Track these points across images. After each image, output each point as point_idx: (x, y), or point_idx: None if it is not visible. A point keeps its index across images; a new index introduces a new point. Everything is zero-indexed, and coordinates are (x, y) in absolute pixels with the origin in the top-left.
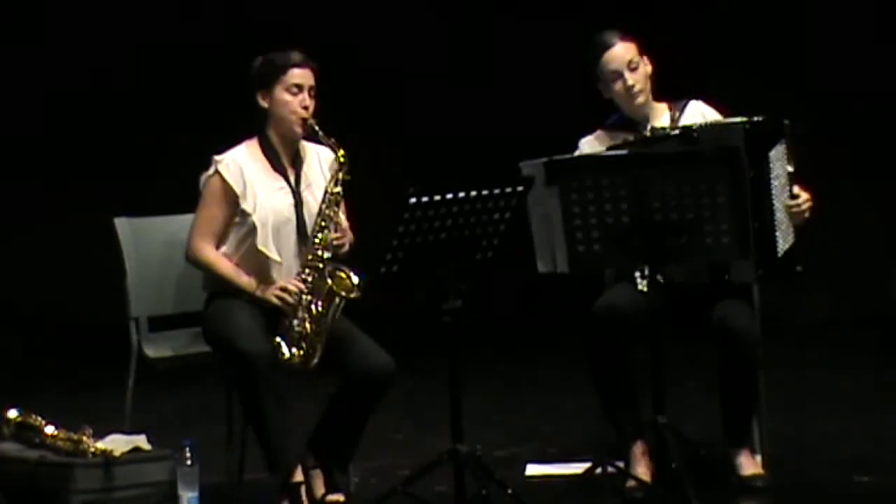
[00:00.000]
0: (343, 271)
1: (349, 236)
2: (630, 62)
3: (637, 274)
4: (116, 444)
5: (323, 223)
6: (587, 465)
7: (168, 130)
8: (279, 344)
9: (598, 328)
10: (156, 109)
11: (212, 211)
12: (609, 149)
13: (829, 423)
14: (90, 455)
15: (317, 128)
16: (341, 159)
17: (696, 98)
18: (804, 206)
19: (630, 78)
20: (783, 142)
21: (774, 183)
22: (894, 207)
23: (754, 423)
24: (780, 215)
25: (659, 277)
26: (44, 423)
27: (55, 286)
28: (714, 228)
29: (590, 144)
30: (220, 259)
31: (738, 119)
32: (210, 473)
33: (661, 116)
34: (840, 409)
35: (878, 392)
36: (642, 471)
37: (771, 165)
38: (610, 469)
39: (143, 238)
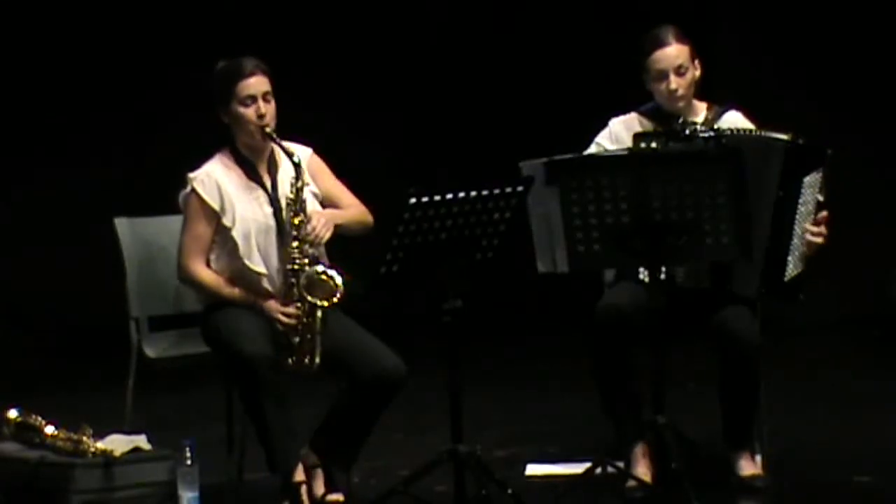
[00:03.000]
0: (325, 275)
1: (321, 222)
2: (679, 67)
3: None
4: (116, 444)
5: (294, 232)
6: (587, 465)
7: (169, 130)
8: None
9: (601, 328)
10: (156, 109)
11: (196, 229)
12: (637, 135)
13: (829, 423)
14: (90, 455)
15: (274, 135)
16: (295, 161)
17: (737, 108)
18: (820, 239)
19: (675, 82)
20: (821, 170)
21: (801, 209)
22: (894, 207)
23: (754, 425)
24: (798, 241)
25: (661, 274)
26: (44, 423)
27: (55, 286)
28: (714, 228)
29: (621, 124)
30: (214, 277)
31: (782, 136)
32: (210, 473)
33: (697, 115)
34: (840, 409)
35: (877, 392)
36: (642, 471)
37: (803, 191)
38: (610, 469)
39: (143, 238)
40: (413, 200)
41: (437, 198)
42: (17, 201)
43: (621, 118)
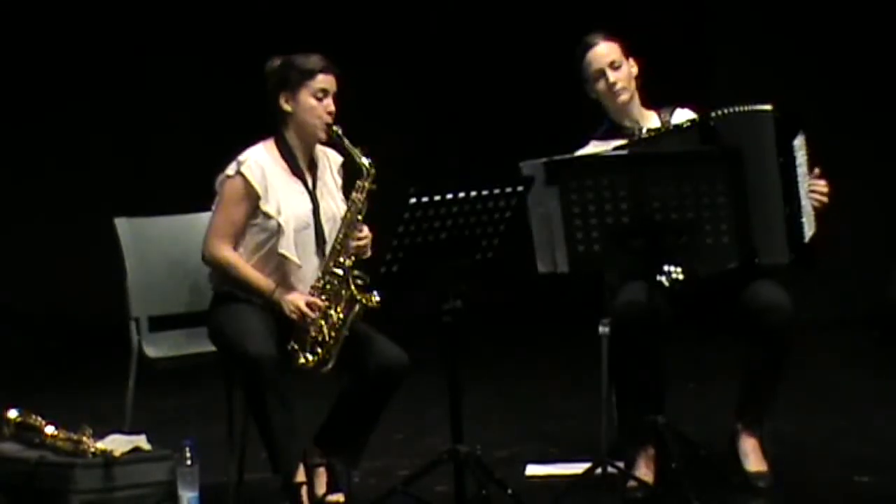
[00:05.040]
0: (364, 280)
1: (370, 240)
2: (613, 62)
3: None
4: (116, 444)
5: (346, 231)
6: (587, 465)
7: (169, 130)
8: (294, 349)
9: (625, 324)
10: (156, 109)
11: (232, 212)
12: (615, 149)
13: (829, 423)
14: (90, 455)
15: (341, 133)
16: (370, 168)
17: (682, 106)
18: (825, 190)
19: (612, 76)
20: (802, 133)
21: (799, 170)
22: (893, 207)
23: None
24: (805, 202)
25: (679, 275)
26: (44, 423)
27: (55, 286)
28: (714, 228)
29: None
30: (240, 260)
31: (764, 107)
32: (210, 473)
33: (651, 122)
34: (840, 409)
35: (877, 392)
36: (643, 471)
37: (795, 153)
38: (610, 469)
39: (143, 238)
40: (413, 200)
41: (437, 198)
42: (17, 201)
43: (582, 151)
